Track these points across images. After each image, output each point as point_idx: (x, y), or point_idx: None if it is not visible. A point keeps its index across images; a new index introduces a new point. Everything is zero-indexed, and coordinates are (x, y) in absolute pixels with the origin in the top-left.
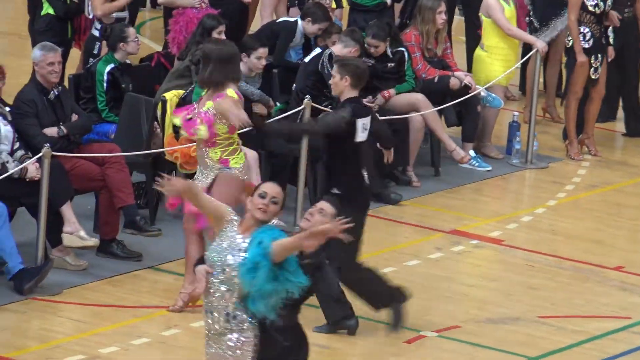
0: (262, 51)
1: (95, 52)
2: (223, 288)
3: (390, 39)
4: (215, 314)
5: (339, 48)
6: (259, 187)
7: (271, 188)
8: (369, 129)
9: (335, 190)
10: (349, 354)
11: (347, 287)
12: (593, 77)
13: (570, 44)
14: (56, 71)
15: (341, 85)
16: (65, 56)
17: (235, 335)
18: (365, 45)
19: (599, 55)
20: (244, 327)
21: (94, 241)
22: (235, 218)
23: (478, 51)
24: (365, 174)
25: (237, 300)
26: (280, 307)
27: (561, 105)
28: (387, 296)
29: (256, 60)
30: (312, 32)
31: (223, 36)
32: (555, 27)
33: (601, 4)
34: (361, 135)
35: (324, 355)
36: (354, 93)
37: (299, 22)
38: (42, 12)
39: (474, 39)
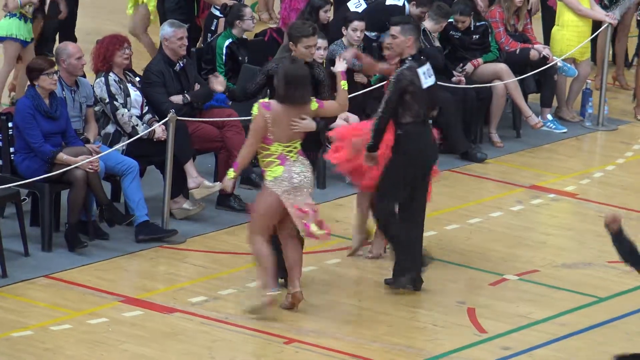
0: (358, 24)
1: (213, 28)
2: None
3: (474, 13)
4: None
5: (431, 24)
6: None
7: None
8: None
9: None
10: (440, 295)
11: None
12: None
13: None
14: (184, 45)
15: None
16: (190, 32)
17: None
18: (453, 22)
19: None
20: None
21: (218, 185)
22: None
23: (555, 28)
24: None
25: None
26: None
27: (629, 69)
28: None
29: (352, 32)
30: (416, 14)
31: (330, 15)
32: (623, 4)
33: None
34: None
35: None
36: None
37: (406, 5)
38: None
39: (550, 15)
